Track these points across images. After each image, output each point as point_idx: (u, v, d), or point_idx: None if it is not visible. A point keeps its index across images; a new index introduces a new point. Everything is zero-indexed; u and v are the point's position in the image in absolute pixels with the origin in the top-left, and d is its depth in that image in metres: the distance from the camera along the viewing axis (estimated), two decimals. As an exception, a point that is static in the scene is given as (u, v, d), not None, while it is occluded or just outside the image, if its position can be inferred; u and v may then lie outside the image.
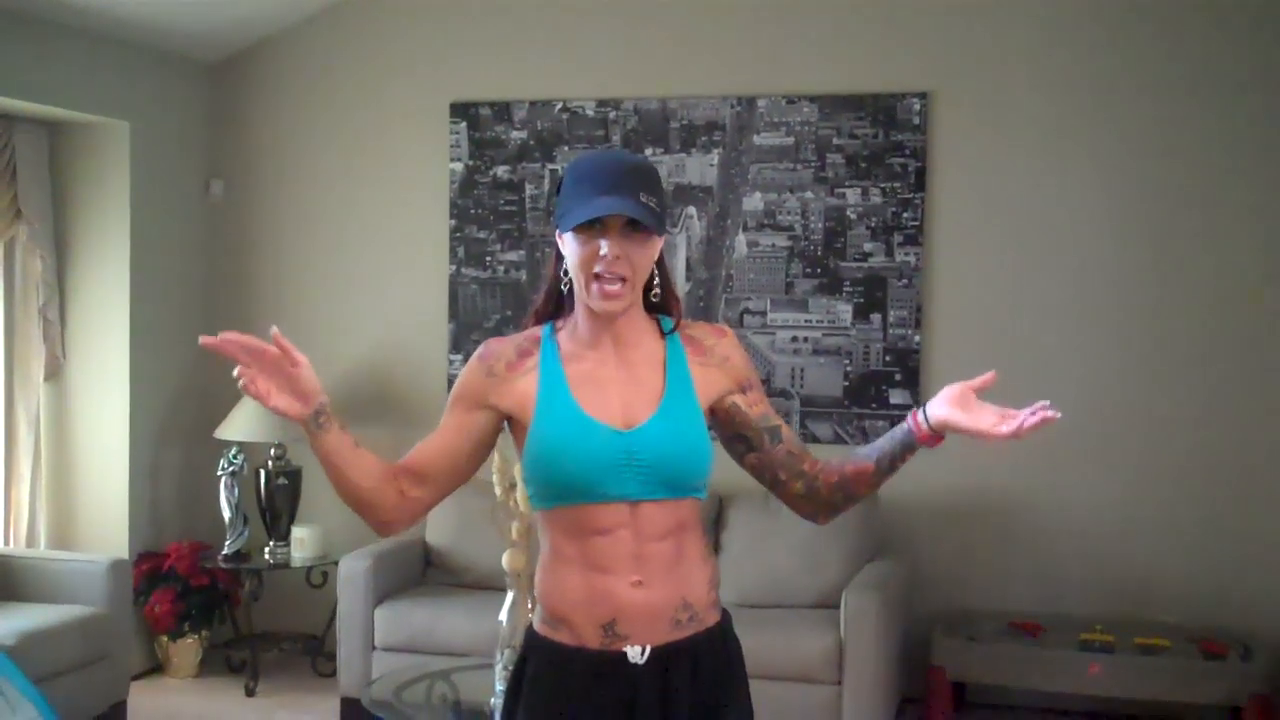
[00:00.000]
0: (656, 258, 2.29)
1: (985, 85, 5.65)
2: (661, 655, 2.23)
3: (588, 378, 2.27)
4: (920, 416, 2.25)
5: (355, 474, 2.22)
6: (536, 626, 2.32)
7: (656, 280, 2.32)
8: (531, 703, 2.29)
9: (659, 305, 2.35)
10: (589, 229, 2.20)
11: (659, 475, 2.22)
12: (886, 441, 2.30)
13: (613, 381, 2.28)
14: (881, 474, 2.31)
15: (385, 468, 2.25)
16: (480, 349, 2.34)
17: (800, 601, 5.33)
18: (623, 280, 2.20)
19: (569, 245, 2.24)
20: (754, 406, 2.35)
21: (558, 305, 2.35)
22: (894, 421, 5.59)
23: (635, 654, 2.22)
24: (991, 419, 2.20)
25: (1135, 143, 5.50)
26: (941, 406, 2.23)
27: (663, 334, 2.34)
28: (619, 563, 2.22)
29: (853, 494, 2.34)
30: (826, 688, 4.92)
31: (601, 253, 2.19)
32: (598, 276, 2.20)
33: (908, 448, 2.27)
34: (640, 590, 2.22)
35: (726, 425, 2.35)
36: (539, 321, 2.36)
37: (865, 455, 2.31)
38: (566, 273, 2.27)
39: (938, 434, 2.24)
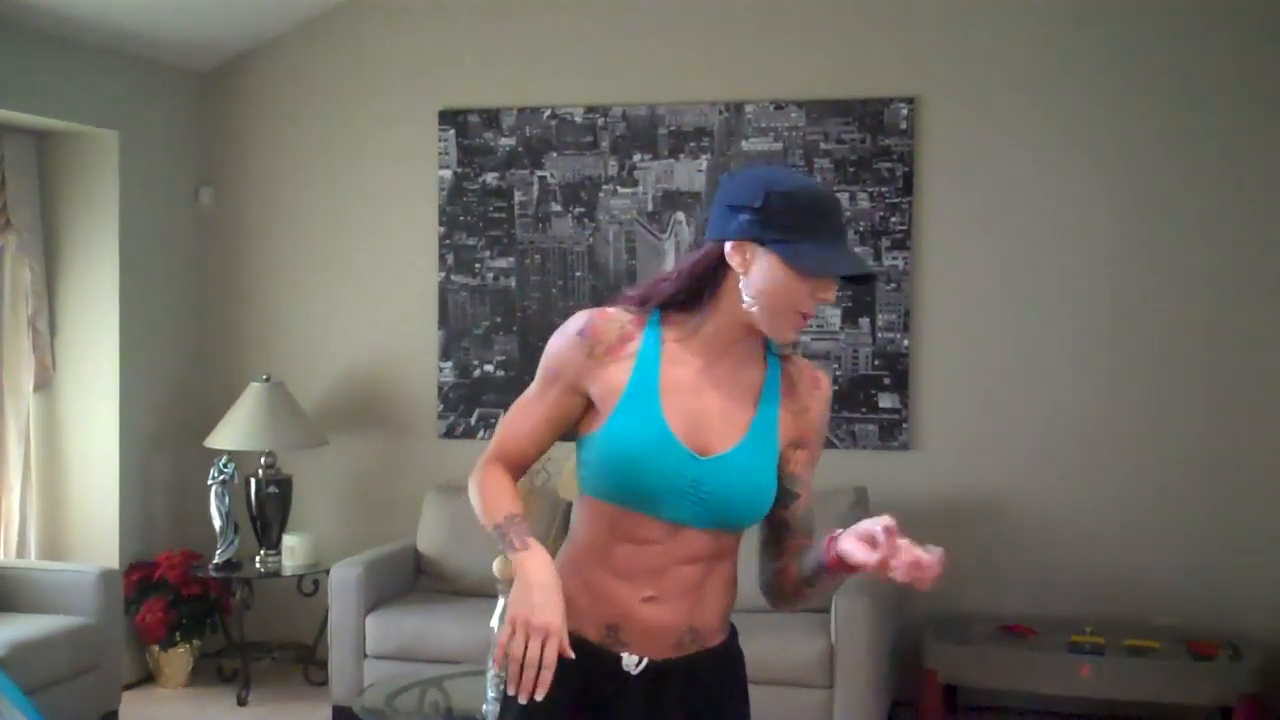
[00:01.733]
0: None
1: (972, 90, 5.67)
2: (657, 671, 2.20)
3: (682, 387, 2.17)
4: (834, 542, 2.15)
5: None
6: None
7: None
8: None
9: None
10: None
11: (717, 511, 2.15)
12: (813, 554, 2.20)
13: (706, 398, 2.18)
14: (801, 583, 2.23)
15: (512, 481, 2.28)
16: (579, 322, 2.20)
17: (791, 606, 5.33)
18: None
19: (782, 275, 2.09)
20: (793, 464, 2.24)
21: (686, 299, 2.19)
22: (883, 425, 5.70)
23: (630, 663, 2.20)
24: (879, 558, 2.06)
25: (1123, 145, 5.52)
26: (848, 539, 2.10)
27: (764, 357, 2.23)
28: (638, 574, 2.17)
29: (782, 591, 2.27)
30: (818, 692, 4.93)
31: (827, 296, 2.13)
32: (802, 315, 2.13)
33: (823, 569, 2.17)
34: (649, 606, 2.17)
35: None
36: (644, 301, 2.21)
37: (801, 558, 2.23)
38: (710, 276, 2.16)
39: (844, 564, 2.12)
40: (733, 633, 2.32)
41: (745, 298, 2.12)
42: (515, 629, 2.04)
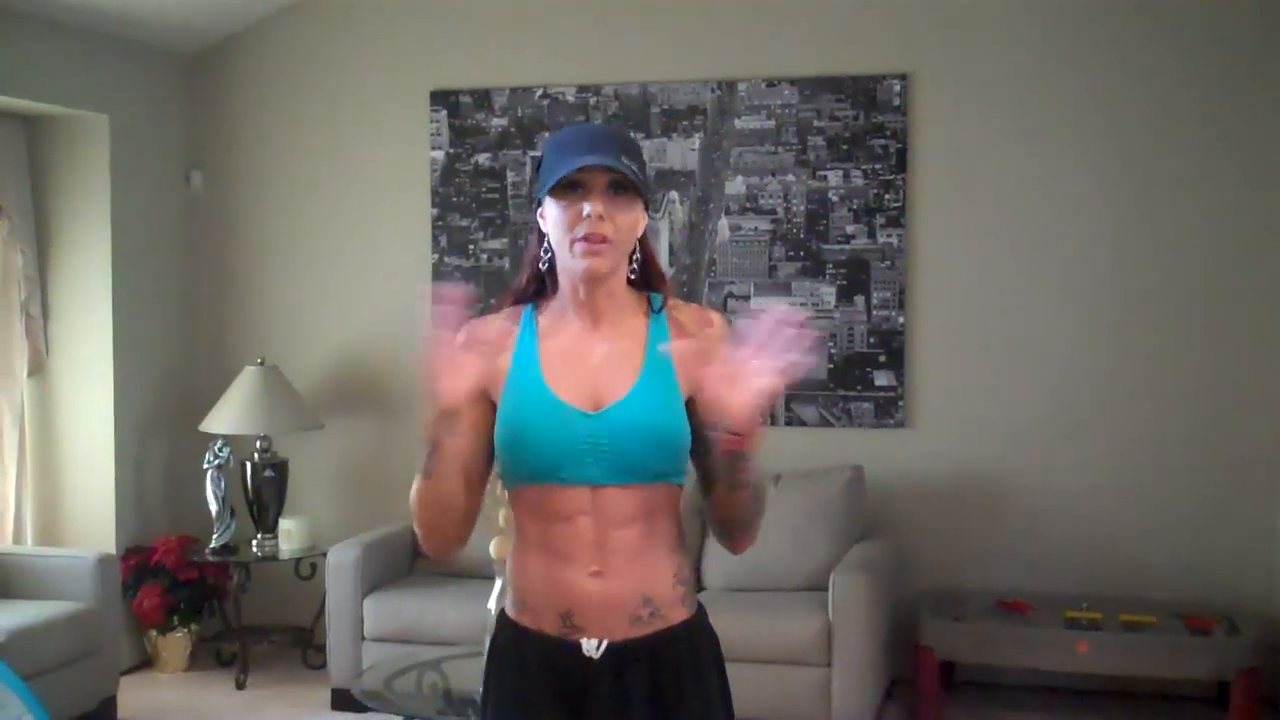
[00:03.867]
0: (640, 231, 2.23)
1: (965, 66, 5.65)
2: (618, 651, 2.18)
3: (563, 354, 2.21)
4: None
5: (457, 481, 2.21)
6: (506, 608, 2.30)
7: (636, 255, 2.25)
8: (497, 684, 2.28)
9: (643, 283, 2.29)
10: (571, 192, 2.15)
11: (621, 461, 2.15)
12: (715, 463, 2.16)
13: (589, 358, 2.21)
14: (723, 493, 2.16)
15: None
16: (462, 335, 2.26)
17: (788, 584, 5.34)
18: (605, 240, 2.15)
19: (550, 210, 2.18)
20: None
21: (540, 286, 2.29)
22: (878, 403, 5.69)
23: (590, 647, 2.18)
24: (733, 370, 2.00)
25: (1117, 122, 5.51)
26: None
27: (648, 312, 2.27)
28: (579, 551, 2.17)
29: (726, 517, 2.20)
30: (816, 669, 4.93)
31: (585, 213, 2.13)
32: (583, 239, 2.15)
33: (719, 459, 2.12)
34: (598, 580, 2.17)
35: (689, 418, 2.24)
36: (517, 301, 2.29)
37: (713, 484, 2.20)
38: (548, 250, 2.23)
39: (720, 431, 2.07)
40: (700, 613, 2.29)
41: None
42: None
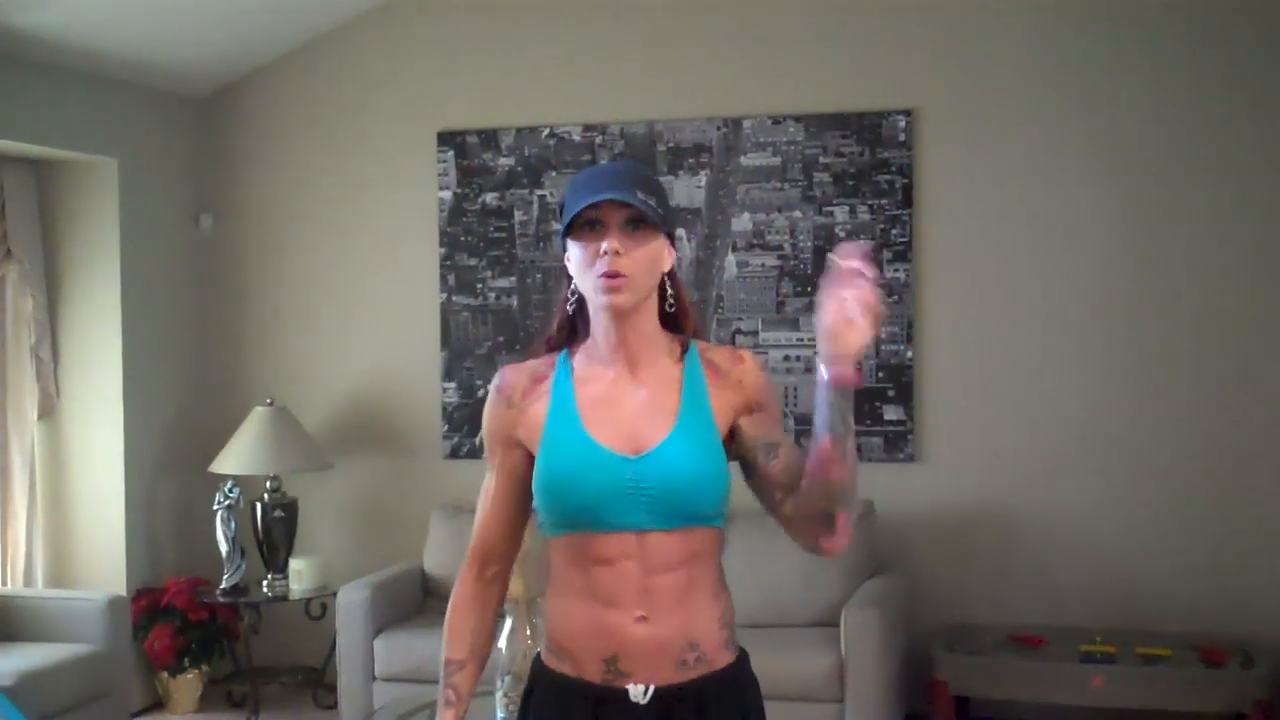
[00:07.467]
0: (667, 268, 2.24)
1: (970, 101, 5.67)
2: (665, 697, 2.17)
3: (599, 400, 2.22)
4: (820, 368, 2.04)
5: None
6: (543, 656, 2.28)
7: (670, 293, 2.27)
8: None
9: (674, 321, 2.29)
10: (589, 231, 2.16)
11: (665, 504, 2.15)
12: (817, 413, 2.09)
13: (625, 403, 2.21)
14: (838, 440, 2.07)
15: (481, 608, 2.32)
16: (496, 380, 2.31)
17: (800, 620, 5.33)
18: (622, 275, 2.14)
19: (572, 251, 2.19)
20: (757, 426, 2.25)
21: (572, 331, 2.30)
22: (888, 437, 5.68)
23: (637, 693, 2.17)
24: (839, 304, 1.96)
25: (1121, 155, 5.53)
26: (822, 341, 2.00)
27: (680, 355, 2.27)
28: (623, 596, 2.16)
29: (828, 481, 2.09)
30: (829, 706, 4.91)
31: (602, 250, 2.14)
32: (601, 275, 2.15)
33: (832, 397, 2.05)
34: (644, 626, 2.16)
35: (732, 448, 2.26)
36: (551, 348, 2.31)
37: (816, 438, 2.10)
38: (575, 292, 2.24)
39: (833, 367, 2.01)
40: (743, 656, 2.29)
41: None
42: None
